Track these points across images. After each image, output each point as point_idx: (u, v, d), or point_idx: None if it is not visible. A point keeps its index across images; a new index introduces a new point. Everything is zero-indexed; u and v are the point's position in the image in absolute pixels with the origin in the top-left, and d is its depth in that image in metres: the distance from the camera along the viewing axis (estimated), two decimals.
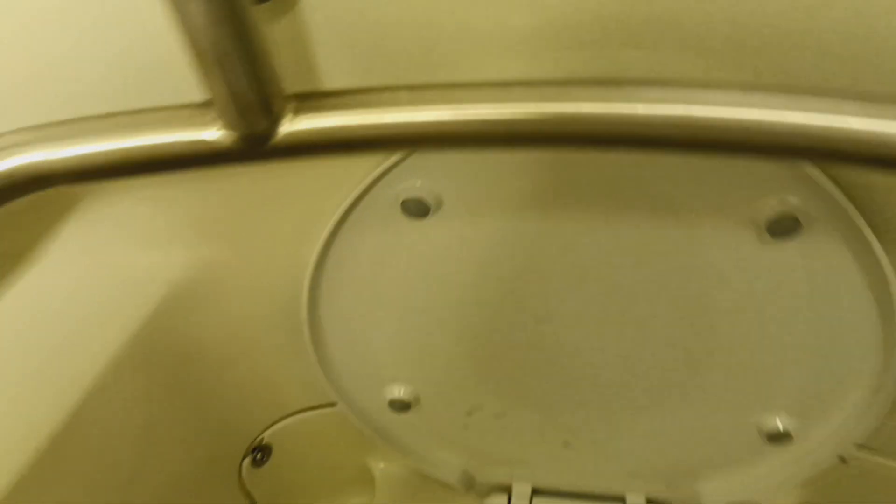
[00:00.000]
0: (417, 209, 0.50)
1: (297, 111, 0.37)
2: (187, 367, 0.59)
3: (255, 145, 0.37)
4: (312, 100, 0.37)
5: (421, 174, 0.48)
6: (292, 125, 0.37)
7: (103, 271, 0.52)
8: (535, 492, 0.74)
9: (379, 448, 0.79)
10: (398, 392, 0.66)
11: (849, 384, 0.58)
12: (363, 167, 0.49)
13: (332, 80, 0.44)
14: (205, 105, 0.36)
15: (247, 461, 0.73)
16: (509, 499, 0.74)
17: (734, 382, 0.59)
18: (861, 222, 0.48)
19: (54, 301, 0.51)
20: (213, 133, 0.37)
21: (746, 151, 0.34)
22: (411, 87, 0.37)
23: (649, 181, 0.49)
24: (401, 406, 0.66)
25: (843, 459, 0.67)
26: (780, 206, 0.47)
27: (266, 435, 0.74)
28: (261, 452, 0.74)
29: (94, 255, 0.51)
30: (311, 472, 0.80)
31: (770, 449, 0.64)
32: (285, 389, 0.70)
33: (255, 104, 0.35)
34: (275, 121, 0.37)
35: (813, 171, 0.46)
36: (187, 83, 0.42)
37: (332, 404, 0.73)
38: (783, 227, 0.48)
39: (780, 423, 0.61)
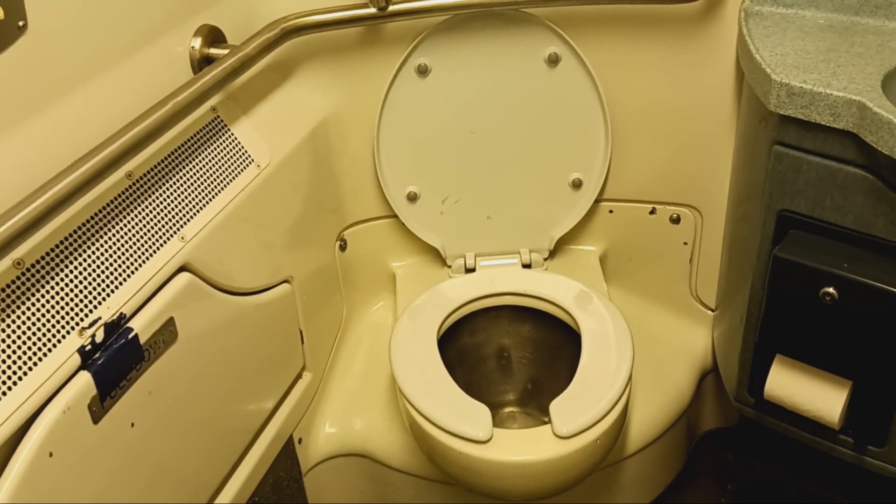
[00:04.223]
0: (422, 70, 1.35)
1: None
2: (325, 158, 1.40)
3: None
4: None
5: (423, 54, 1.34)
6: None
7: (306, 97, 1.34)
8: (478, 255, 1.51)
9: (399, 250, 1.55)
10: (411, 188, 1.46)
11: (597, 154, 1.41)
12: (400, 53, 1.34)
13: None
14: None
15: (337, 244, 1.50)
16: (465, 261, 1.51)
17: (553, 156, 1.42)
18: (585, 59, 1.33)
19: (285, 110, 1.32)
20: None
21: None
22: None
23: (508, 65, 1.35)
24: (412, 196, 1.46)
25: (610, 211, 1.48)
26: (551, 49, 1.33)
27: (346, 233, 1.51)
28: (343, 242, 1.51)
29: (300, 90, 1.34)
30: (365, 266, 1.55)
31: (573, 193, 1.44)
32: (359, 200, 1.48)
33: None
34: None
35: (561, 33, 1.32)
36: None
37: (380, 218, 1.51)
38: (552, 60, 1.34)
39: (577, 176, 1.42)
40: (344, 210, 1.49)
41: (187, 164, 1.10)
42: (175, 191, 1.07)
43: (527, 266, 1.50)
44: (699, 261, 1.51)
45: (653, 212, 1.50)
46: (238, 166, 1.18)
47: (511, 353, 1.49)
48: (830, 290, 1.06)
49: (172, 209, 1.05)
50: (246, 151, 1.20)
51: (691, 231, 1.49)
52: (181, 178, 1.08)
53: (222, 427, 1.16)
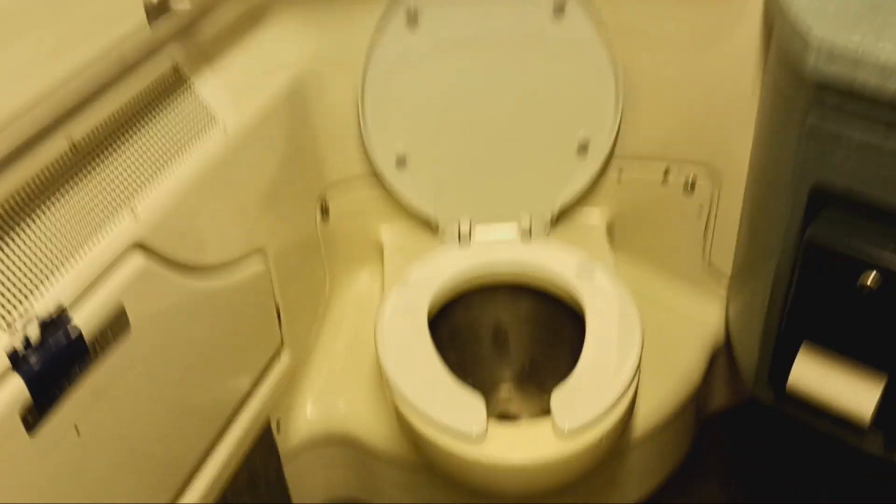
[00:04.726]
0: (412, 17, 1.20)
1: None
2: (303, 117, 1.26)
3: None
4: None
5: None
6: None
7: (280, 48, 1.20)
8: (473, 222, 1.38)
9: (387, 216, 1.42)
10: (400, 149, 1.32)
11: (606, 114, 1.27)
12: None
13: None
14: None
15: (318, 210, 1.36)
16: (459, 229, 1.38)
17: (558, 115, 1.28)
18: (594, 8, 1.19)
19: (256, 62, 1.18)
20: None
21: None
22: None
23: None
24: (401, 159, 1.32)
25: (620, 175, 1.34)
26: None
27: (327, 198, 1.38)
28: (325, 208, 1.38)
29: (272, 40, 1.19)
30: (349, 233, 1.42)
31: (580, 155, 1.31)
32: (341, 162, 1.35)
33: None
34: None
35: None
36: None
37: (365, 180, 1.38)
38: (558, 9, 1.19)
39: (584, 137, 1.29)
40: (325, 173, 1.36)
41: (141, 127, 0.96)
42: (126, 158, 0.93)
43: (527, 234, 1.37)
44: (715, 229, 1.38)
45: (666, 176, 1.37)
46: (201, 128, 1.04)
47: (508, 330, 1.38)
48: (870, 276, 0.94)
49: (123, 180, 0.92)
50: (210, 110, 1.06)
51: (707, 197, 1.36)
52: (134, 143, 0.95)
53: (187, 420, 1.05)
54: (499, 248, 1.33)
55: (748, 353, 1.22)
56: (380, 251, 1.44)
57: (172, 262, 0.97)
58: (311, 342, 1.36)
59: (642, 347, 1.12)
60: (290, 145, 1.23)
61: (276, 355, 1.26)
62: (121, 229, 0.89)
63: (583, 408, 1.05)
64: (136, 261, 0.90)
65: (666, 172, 1.37)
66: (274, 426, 1.26)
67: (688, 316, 1.44)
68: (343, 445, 1.33)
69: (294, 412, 1.32)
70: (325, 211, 1.38)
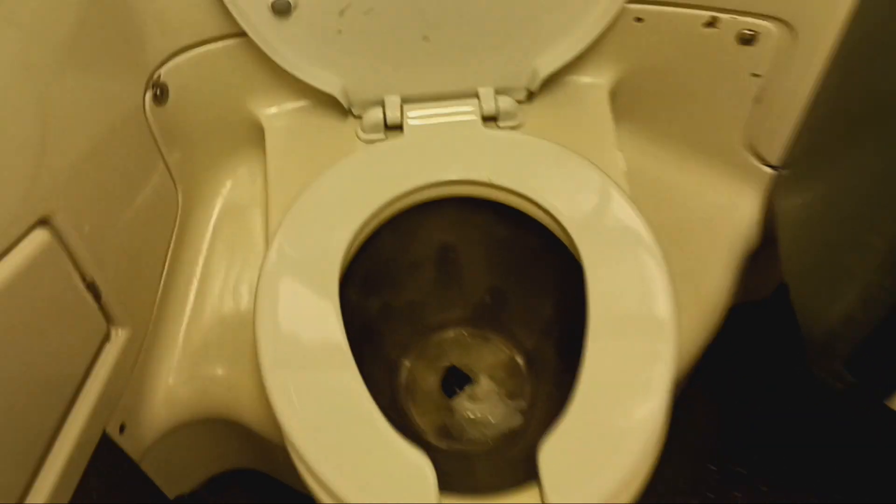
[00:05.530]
0: None
1: None
2: None
3: None
4: None
5: None
6: None
7: None
8: (405, 101, 0.88)
9: (269, 88, 0.90)
10: None
11: None
12: None
13: None
14: None
15: (148, 96, 0.83)
16: (385, 112, 0.88)
17: None
18: None
19: None
20: None
21: None
22: None
23: None
24: (282, 6, 0.78)
25: (638, 18, 0.84)
26: None
27: (163, 72, 0.84)
28: (160, 89, 0.84)
29: None
30: (206, 119, 0.91)
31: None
32: (181, 14, 0.80)
33: None
34: None
35: None
36: None
37: (221, 37, 0.84)
38: None
39: None
40: (153, 36, 0.81)
41: None
42: None
43: (491, 119, 0.89)
44: (772, 103, 0.91)
45: (711, 24, 0.86)
46: None
47: (460, 252, 0.94)
48: None
49: None
50: None
51: (769, 57, 0.87)
52: None
53: None
54: (447, 141, 0.85)
55: (816, 312, 0.83)
56: (258, 137, 0.93)
57: None
58: (161, 296, 0.90)
59: (678, 354, 0.72)
60: (85, 11, 0.68)
61: (105, 339, 0.81)
62: None
63: (589, 479, 0.66)
64: None
65: (710, 24, 0.86)
66: (115, 430, 0.85)
67: (713, 214, 1.02)
68: (218, 424, 0.94)
69: (145, 396, 0.90)
70: (160, 92, 0.85)
